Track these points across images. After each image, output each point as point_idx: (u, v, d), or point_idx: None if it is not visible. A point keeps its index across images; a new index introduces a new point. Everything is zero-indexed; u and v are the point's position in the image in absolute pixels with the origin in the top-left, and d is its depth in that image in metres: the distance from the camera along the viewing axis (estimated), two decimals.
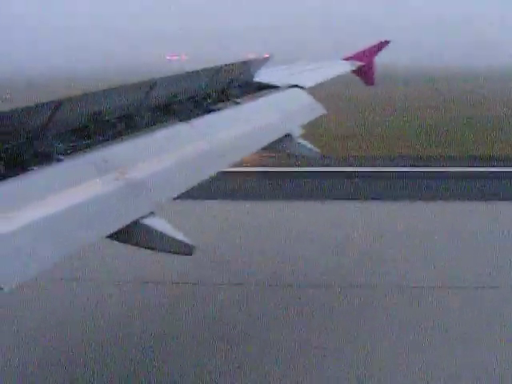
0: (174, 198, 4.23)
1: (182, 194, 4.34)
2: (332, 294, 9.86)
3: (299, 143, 6.85)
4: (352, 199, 15.84)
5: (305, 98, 7.87)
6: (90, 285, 10.30)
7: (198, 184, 4.58)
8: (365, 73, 13.04)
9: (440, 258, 11.46)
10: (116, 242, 3.75)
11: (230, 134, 5.58)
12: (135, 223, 3.73)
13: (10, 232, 2.96)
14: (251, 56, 7.35)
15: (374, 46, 13.38)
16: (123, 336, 8.54)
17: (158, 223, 3.85)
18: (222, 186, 15.91)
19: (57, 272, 7.52)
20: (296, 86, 7.99)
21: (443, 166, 19.70)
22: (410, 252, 11.79)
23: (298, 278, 10.46)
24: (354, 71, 12.52)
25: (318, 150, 7.07)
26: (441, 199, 15.80)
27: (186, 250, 3.92)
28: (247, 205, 15.46)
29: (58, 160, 3.78)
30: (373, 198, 15.88)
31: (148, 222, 3.79)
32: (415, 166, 19.71)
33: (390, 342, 8.28)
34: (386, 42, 13.50)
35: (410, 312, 9.20)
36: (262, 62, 7.32)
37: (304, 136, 7.10)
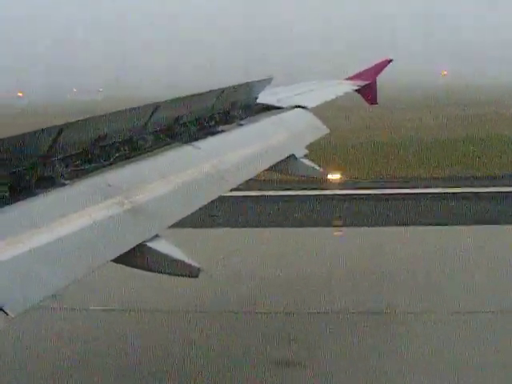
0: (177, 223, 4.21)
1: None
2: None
3: (303, 163, 6.83)
4: None
5: (308, 118, 7.87)
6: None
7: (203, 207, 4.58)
8: (368, 92, 13.03)
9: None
10: (122, 266, 3.74)
11: (234, 155, 5.59)
12: (141, 246, 3.72)
13: (16, 257, 2.96)
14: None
15: (377, 65, 13.39)
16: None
17: (164, 246, 3.84)
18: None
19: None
20: (299, 106, 8.01)
21: None
22: None
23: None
24: (357, 90, 12.52)
25: (321, 170, 7.06)
26: None
27: (192, 272, 3.90)
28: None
29: (63, 184, 3.79)
30: None
31: (154, 244, 3.79)
32: None
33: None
34: (388, 61, 13.51)
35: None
36: (264, 83, 7.35)
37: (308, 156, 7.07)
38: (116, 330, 9.58)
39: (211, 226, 14.68)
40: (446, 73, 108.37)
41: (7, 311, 2.71)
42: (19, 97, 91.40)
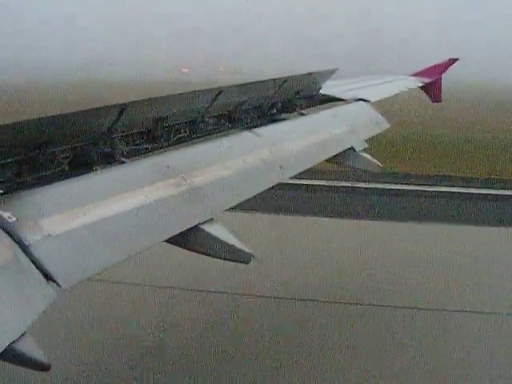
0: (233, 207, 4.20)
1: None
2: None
3: (361, 157, 6.77)
4: None
5: (369, 112, 7.77)
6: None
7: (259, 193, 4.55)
8: (432, 89, 12.86)
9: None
10: (175, 247, 3.74)
11: (293, 144, 5.54)
12: (195, 229, 3.72)
13: (71, 231, 2.98)
14: None
15: (442, 63, 13.20)
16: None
17: (218, 230, 3.83)
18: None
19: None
20: (361, 99, 7.92)
21: None
22: None
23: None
24: (421, 87, 12.36)
25: (379, 165, 6.98)
26: None
27: (244, 258, 3.89)
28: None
29: (122, 162, 3.82)
30: None
31: (208, 228, 3.78)
32: None
33: None
34: (454, 60, 13.30)
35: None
36: (327, 74, 7.28)
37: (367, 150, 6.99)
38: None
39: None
40: None
41: (60, 283, 2.74)
42: (185, 73, 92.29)
